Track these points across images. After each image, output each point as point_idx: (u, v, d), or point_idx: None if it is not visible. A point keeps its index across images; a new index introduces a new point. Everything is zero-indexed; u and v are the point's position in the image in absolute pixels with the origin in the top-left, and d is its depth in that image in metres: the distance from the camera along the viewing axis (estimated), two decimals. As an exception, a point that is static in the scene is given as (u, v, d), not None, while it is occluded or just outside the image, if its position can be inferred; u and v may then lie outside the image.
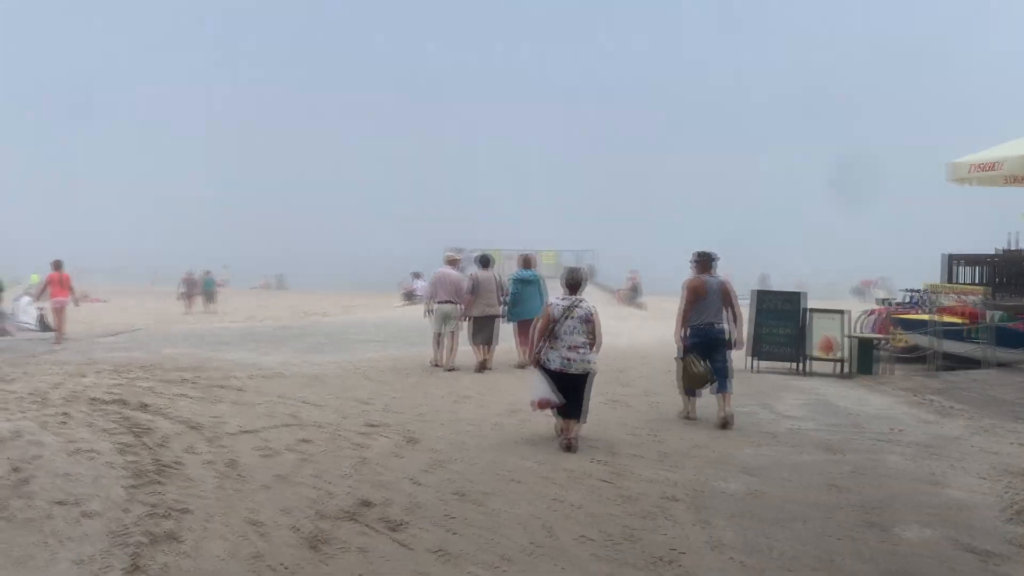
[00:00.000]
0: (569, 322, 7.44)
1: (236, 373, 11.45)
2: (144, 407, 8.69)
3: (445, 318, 12.91)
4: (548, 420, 8.37)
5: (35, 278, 41.08)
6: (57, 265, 17.37)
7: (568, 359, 7.37)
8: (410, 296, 30.03)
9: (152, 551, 4.51)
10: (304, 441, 7.32)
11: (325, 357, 13.64)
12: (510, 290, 13.46)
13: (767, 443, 7.78)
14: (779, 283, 32.25)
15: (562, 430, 7.54)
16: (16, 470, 6.14)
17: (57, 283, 17.20)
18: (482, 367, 12.59)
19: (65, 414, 8.26)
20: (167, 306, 34.30)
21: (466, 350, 12.95)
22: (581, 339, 7.43)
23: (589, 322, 7.49)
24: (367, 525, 5.06)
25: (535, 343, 7.65)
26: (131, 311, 31.28)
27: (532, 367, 7.78)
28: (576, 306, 7.53)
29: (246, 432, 7.66)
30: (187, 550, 4.54)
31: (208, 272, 36.19)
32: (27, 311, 20.72)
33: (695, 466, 6.78)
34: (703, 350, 8.89)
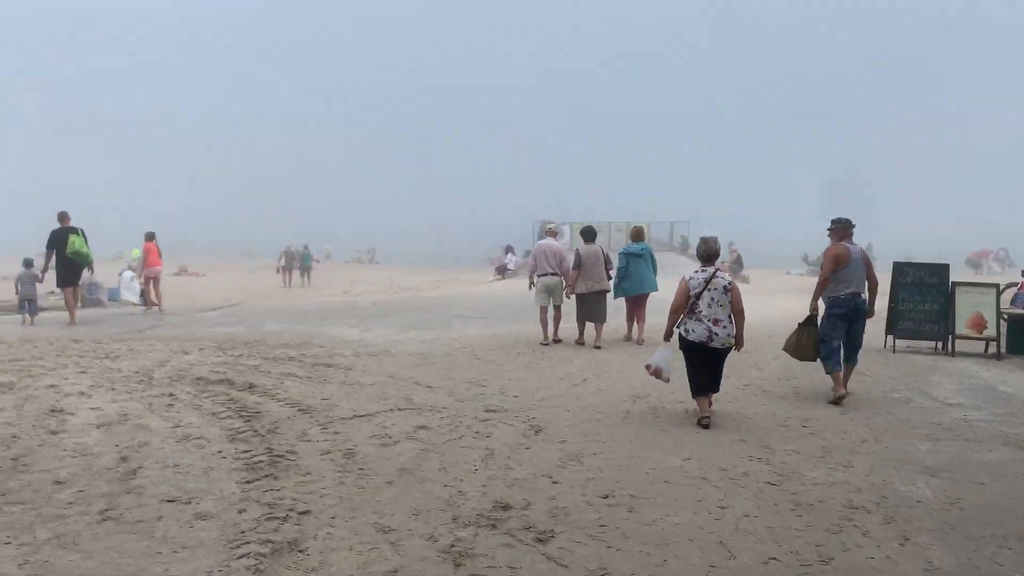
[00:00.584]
0: (708, 294, 7.18)
1: (341, 351, 11.03)
2: (251, 388, 8.28)
3: (549, 290, 12.44)
4: (681, 405, 7.61)
5: (136, 252, 42.33)
6: (150, 236, 17.39)
7: (713, 333, 7.11)
8: (502, 271, 29.43)
9: (274, 564, 3.94)
10: (422, 428, 6.73)
11: (429, 334, 13.13)
12: (617, 264, 12.79)
13: (940, 436, 6.80)
14: (881, 253, 30.27)
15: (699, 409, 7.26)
16: (124, 459, 5.73)
17: (155, 252, 17.27)
18: (582, 343, 12.04)
19: (171, 395, 7.91)
20: (263, 279, 34.77)
21: (566, 328, 12.25)
22: (723, 313, 7.17)
23: (728, 292, 7.21)
24: (511, 535, 4.40)
25: (671, 319, 7.36)
26: (229, 285, 31.73)
27: (664, 341, 7.53)
28: (715, 277, 7.23)
29: (360, 416, 7.13)
30: (313, 564, 3.96)
31: (306, 247, 36.52)
32: (130, 286, 20.99)
33: (868, 465, 5.89)
34: (845, 322, 8.34)
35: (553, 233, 13.69)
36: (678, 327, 7.34)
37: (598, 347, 11.77)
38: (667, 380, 7.54)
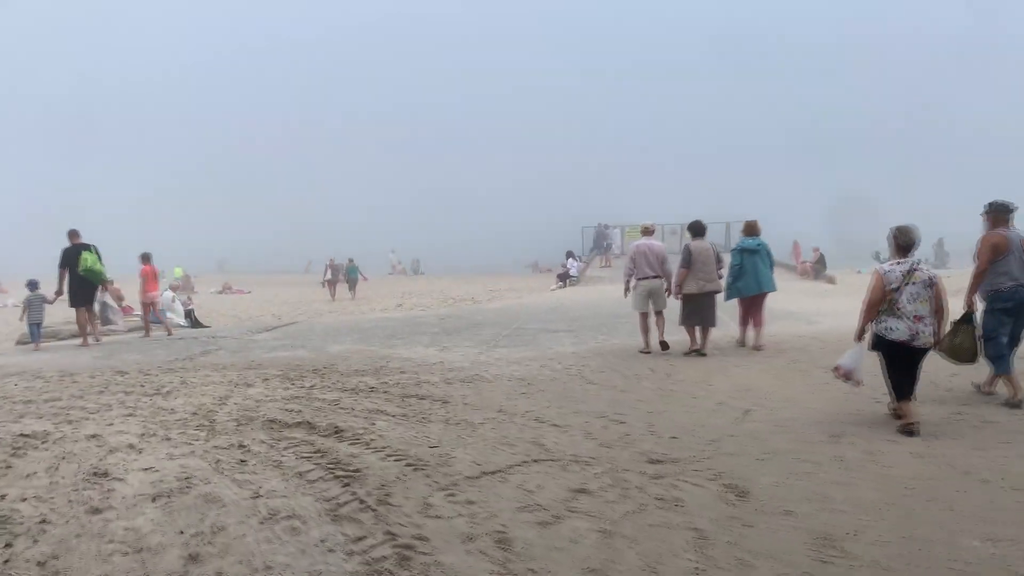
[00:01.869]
0: (910, 289, 6.46)
1: (427, 377, 9.36)
2: (338, 432, 6.62)
3: (651, 295, 11.27)
4: (898, 446, 5.81)
5: (179, 272, 41.30)
6: (146, 258, 15.99)
7: (916, 331, 6.41)
8: (564, 278, 27.69)
9: None
10: (582, 492, 5.00)
11: (517, 352, 11.43)
12: (730, 262, 11.39)
13: None
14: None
15: (900, 414, 6.47)
16: (194, 558, 4.07)
17: (152, 277, 15.89)
18: (695, 351, 10.70)
19: (242, 446, 6.28)
20: (310, 294, 33.47)
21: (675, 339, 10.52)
22: (926, 309, 6.45)
23: (932, 287, 6.49)
24: None
25: (866, 316, 6.67)
26: (276, 302, 30.46)
27: (855, 341, 6.79)
28: (916, 270, 6.52)
29: (489, 474, 5.43)
30: None
31: (351, 260, 35.39)
32: (173, 307, 19.53)
33: None
34: (1006, 317, 7.30)
35: (650, 232, 12.11)
36: (874, 324, 6.62)
37: (703, 354, 10.59)
38: (860, 383, 6.82)
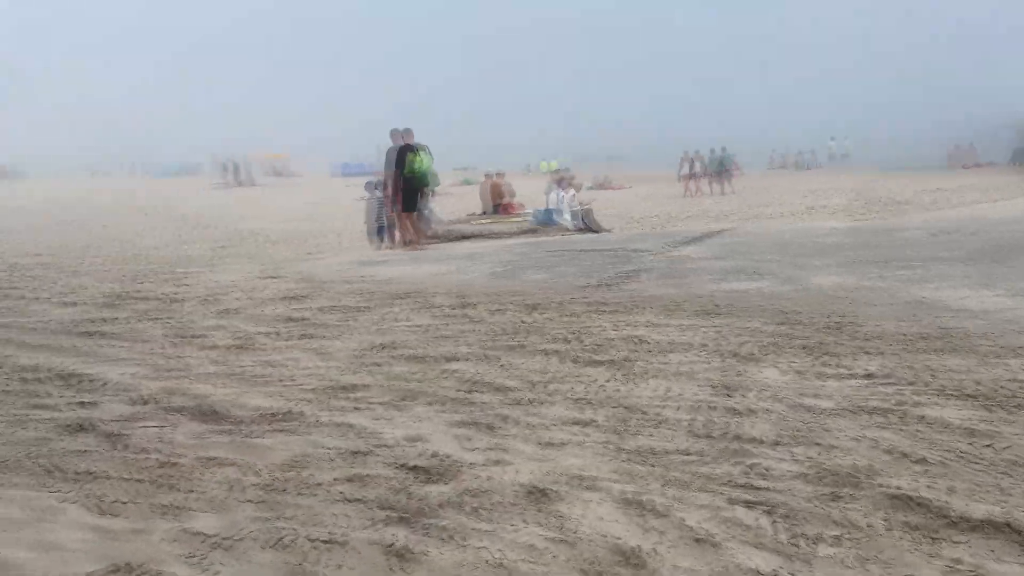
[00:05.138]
0: None
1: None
2: None
3: None
4: None
5: (552, 165, 39.59)
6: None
7: None
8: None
9: None
10: None
11: None
12: None
13: None
14: None
15: None
16: None
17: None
18: None
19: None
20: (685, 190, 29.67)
21: None
22: None
23: None
24: None
25: None
26: (659, 197, 27.20)
27: None
28: None
29: None
30: None
31: (724, 149, 30.89)
32: (562, 207, 16.35)
33: None
34: None
35: None
36: None
37: None
38: None
